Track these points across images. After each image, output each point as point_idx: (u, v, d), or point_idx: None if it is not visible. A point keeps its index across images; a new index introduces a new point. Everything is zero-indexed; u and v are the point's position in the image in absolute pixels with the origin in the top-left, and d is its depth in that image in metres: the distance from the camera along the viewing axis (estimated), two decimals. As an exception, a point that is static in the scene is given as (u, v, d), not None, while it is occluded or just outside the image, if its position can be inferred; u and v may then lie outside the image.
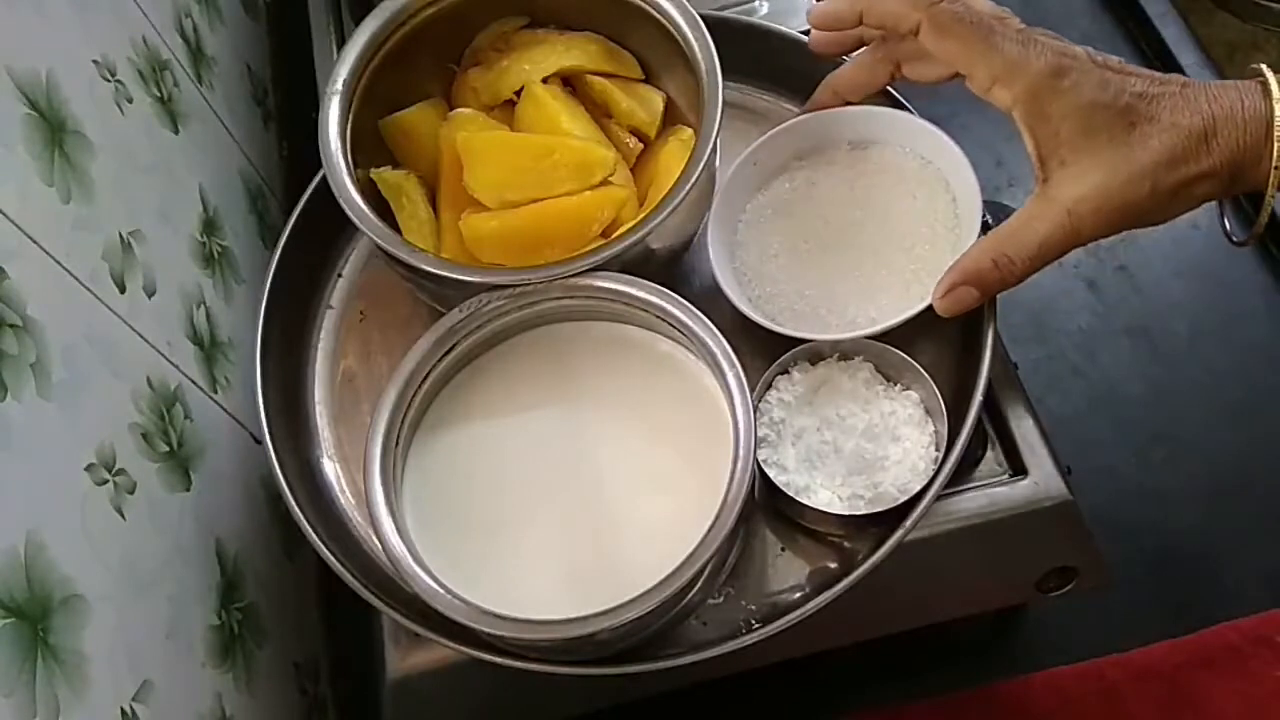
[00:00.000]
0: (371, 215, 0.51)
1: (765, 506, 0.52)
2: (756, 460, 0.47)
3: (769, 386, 0.51)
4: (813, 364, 0.52)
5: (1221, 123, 0.44)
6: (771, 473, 0.49)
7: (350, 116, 0.53)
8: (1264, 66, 0.45)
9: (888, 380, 0.52)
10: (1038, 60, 0.45)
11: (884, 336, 0.51)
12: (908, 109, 0.57)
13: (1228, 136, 0.44)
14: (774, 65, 0.62)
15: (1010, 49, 0.46)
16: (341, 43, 0.72)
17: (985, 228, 0.53)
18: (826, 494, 0.49)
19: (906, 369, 0.51)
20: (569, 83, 0.58)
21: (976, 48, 0.46)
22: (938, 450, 0.49)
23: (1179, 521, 0.68)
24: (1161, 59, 0.82)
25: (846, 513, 0.48)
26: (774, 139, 0.57)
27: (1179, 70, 0.80)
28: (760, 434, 0.50)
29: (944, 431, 0.49)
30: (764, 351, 0.52)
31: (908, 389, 0.51)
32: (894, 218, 0.55)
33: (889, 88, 0.58)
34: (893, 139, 0.56)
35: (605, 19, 0.58)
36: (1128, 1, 0.85)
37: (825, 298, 0.53)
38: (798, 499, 0.48)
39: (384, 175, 0.56)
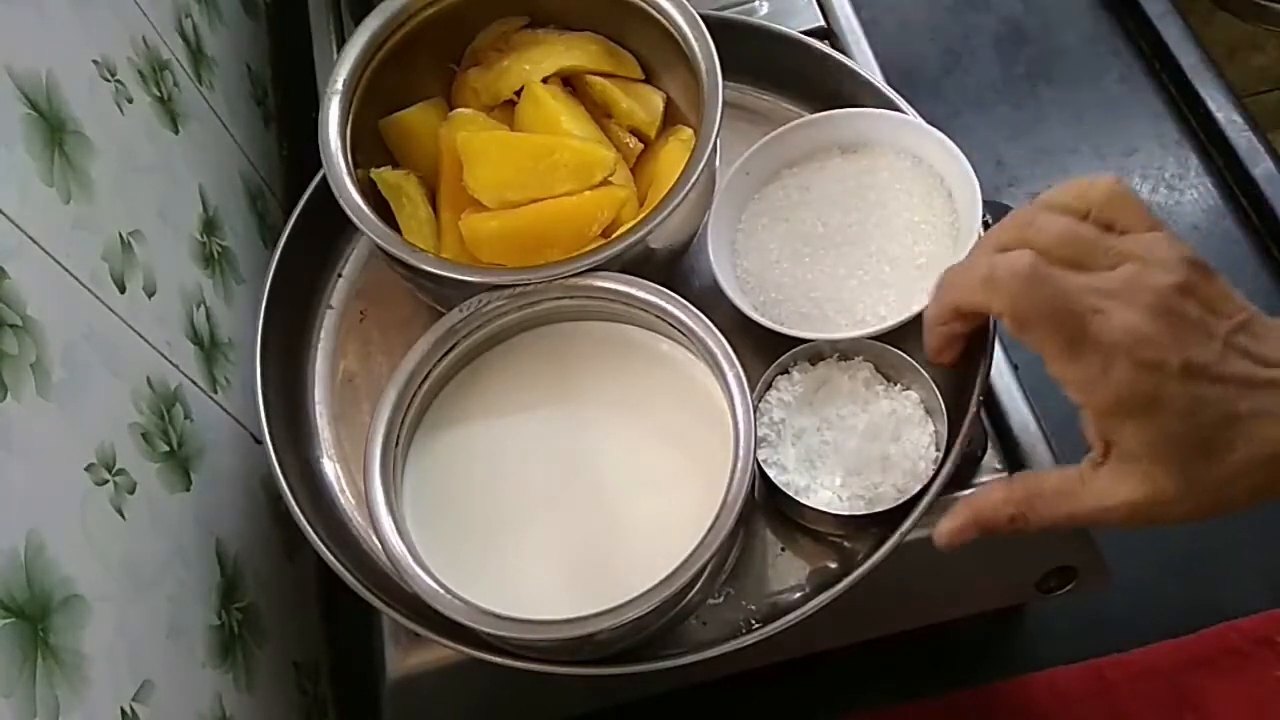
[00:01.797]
0: (371, 215, 0.51)
1: (765, 506, 0.52)
2: (756, 460, 0.47)
3: (769, 386, 0.51)
4: (813, 364, 0.52)
5: None
6: (771, 473, 0.49)
7: (350, 116, 0.53)
8: None
9: (888, 380, 0.52)
10: (1116, 379, 0.38)
11: (884, 336, 0.51)
12: (899, 109, 0.57)
13: None
14: (774, 65, 0.62)
15: (1090, 361, 0.38)
16: (341, 43, 0.72)
17: (986, 226, 0.53)
18: (826, 494, 0.49)
19: (906, 369, 0.51)
20: (569, 83, 0.58)
21: (1052, 350, 0.39)
22: (938, 450, 0.49)
23: (1179, 521, 0.68)
24: (1161, 59, 0.82)
25: (846, 513, 0.48)
26: (765, 148, 0.57)
27: (1178, 71, 0.80)
28: (760, 434, 0.50)
29: (944, 431, 0.49)
30: (764, 351, 0.52)
31: (908, 389, 0.51)
32: (891, 216, 0.55)
33: (886, 88, 0.58)
34: (883, 140, 0.56)
35: (605, 19, 0.58)
36: (1128, 1, 0.85)
37: (832, 299, 0.53)
38: (798, 499, 0.48)
39: (384, 175, 0.56)
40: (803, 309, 0.54)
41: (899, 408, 0.50)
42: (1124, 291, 0.39)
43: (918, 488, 0.48)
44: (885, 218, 0.55)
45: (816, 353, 0.52)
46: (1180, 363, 0.38)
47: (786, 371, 0.52)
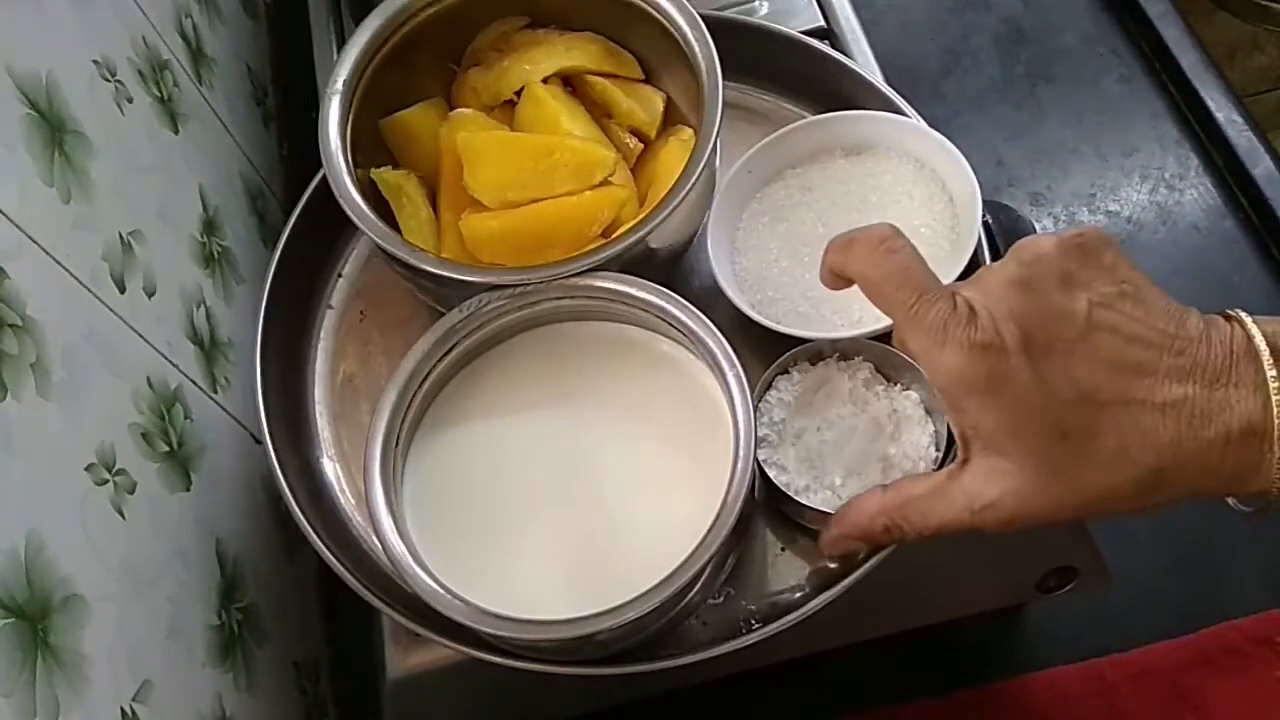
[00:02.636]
0: (371, 215, 0.51)
1: (765, 506, 0.52)
2: (756, 460, 0.47)
3: (769, 386, 0.51)
4: (813, 364, 0.52)
5: (1182, 467, 0.36)
6: (771, 473, 0.49)
7: (350, 116, 0.53)
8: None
9: (888, 380, 0.52)
10: (950, 355, 0.37)
11: (884, 336, 0.51)
12: (904, 113, 0.57)
13: (1189, 480, 0.36)
14: (774, 65, 0.62)
15: (928, 333, 0.37)
16: (341, 43, 0.72)
17: (986, 227, 0.53)
18: (826, 494, 0.49)
19: (906, 368, 0.51)
20: (569, 83, 0.58)
21: (896, 319, 0.39)
22: (938, 450, 0.49)
23: (1179, 521, 0.68)
24: (1161, 59, 0.82)
25: (846, 513, 0.48)
26: (768, 147, 0.57)
27: (1178, 71, 0.80)
28: (760, 434, 0.50)
29: (944, 431, 0.49)
30: (764, 351, 0.52)
31: (908, 388, 0.51)
32: (891, 219, 0.54)
33: (886, 88, 0.58)
34: (886, 143, 0.56)
35: (605, 19, 0.58)
36: (1128, 1, 0.85)
37: (829, 299, 0.53)
38: (798, 499, 0.48)
39: (384, 175, 0.56)
40: (800, 309, 0.54)
41: (899, 408, 0.50)
42: (978, 277, 0.39)
43: (918, 488, 0.48)
44: (885, 219, 0.55)
45: (816, 352, 0.52)
46: (1020, 339, 0.36)
47: (786, 371, 0.52)
